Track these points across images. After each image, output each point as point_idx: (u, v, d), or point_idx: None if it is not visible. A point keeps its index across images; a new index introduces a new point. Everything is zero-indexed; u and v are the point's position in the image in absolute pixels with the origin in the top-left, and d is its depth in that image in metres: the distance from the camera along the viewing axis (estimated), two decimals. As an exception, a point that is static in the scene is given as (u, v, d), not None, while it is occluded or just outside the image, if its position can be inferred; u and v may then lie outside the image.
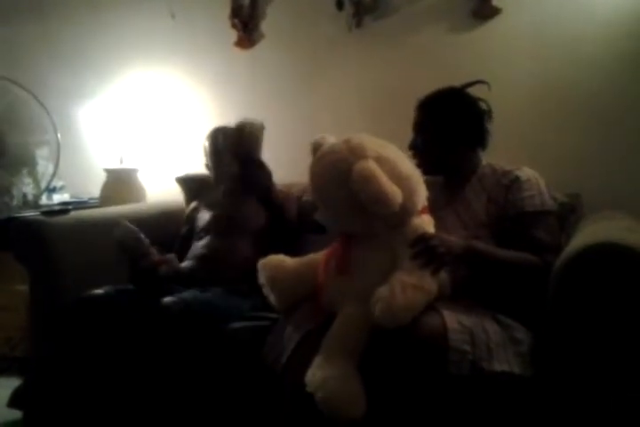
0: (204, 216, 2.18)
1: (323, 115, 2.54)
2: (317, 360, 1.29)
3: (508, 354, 1.29)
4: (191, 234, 2.18)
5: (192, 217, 2.23)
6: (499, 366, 1.26)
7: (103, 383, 1.73)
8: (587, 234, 1.38)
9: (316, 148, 1.47)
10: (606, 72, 2.04)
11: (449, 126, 1.60)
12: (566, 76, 2.10)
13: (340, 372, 1.25)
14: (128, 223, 1.88)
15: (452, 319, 1.27)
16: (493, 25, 2.20)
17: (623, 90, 2.03)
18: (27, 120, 2.61)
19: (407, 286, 1.25)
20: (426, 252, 1.32)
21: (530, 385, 1.26)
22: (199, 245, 2.07)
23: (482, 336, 1.28)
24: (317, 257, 1.55)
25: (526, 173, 1.57)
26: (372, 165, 1.30)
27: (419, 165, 1.60)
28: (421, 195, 1.42)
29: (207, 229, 2.11)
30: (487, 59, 2.22)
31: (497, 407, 1.26)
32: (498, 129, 2.19)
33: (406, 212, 1.37)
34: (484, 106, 1.65)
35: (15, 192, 2.62)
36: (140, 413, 1.69)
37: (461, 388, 1.24)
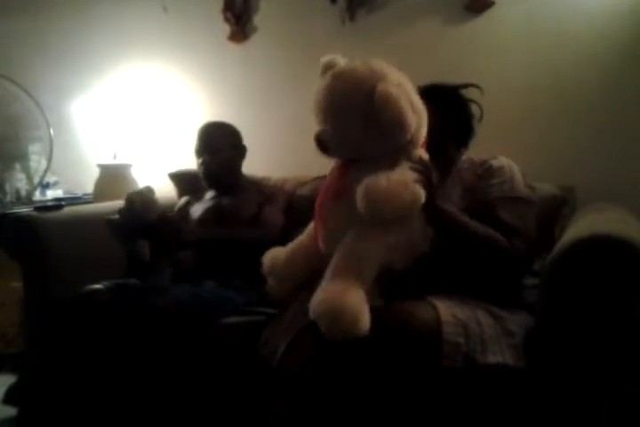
0: (196, 210, 2.17)
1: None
2: (320, 287, 1.27)
3: (502, 346, 1.29)
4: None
5: (184, 211, 2.23)
6: (492, 358, 1.26)
7: (99, 380, 1.73)
8: (580, 226, 1.38)
9: (328, 67, 1.43)
10: (601, 64, 2.04)
11: (446, 117, 1.58)
12: (560, 68, 2.10)
13: (339, 288, 1.22)
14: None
15: (446, 312, 1.27)
16: (487, 18, 2.20)
17: (618, 82, 2.03)
18: (19, 116, 2.60)
19: (391, 179, 1.23)
20: (422, 172, 1.30)
21: (524, 377, 1.26)
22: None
23: (475, 329, 1.28)
24: (303, 238, 1.52)
25: (500, 161, 1.56)
26: (395, 88, 1.29)
27: None
28: (425, 130, 1.39)
29: (199, 222, 2.10)
30: (481, 51, 2.22)
31: (491, 399, 1.26)
32: (491, 121, 2.19)
33: (412, 142, 1.35)
34: (475, 108, 1.63)
35: (8, 188, 2.62)
36: (135, 409, 1.69)
37: (455, 380, 1.24)
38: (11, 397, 1.82)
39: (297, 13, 2.54)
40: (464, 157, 1.63)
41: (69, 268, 1.98)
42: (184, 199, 2.32)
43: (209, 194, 2.23)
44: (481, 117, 1.63)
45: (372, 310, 1.25)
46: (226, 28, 2.67)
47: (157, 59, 2.86)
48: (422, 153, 1.40)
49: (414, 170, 1.29)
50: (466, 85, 1.64)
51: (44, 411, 1.76)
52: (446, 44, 2.27)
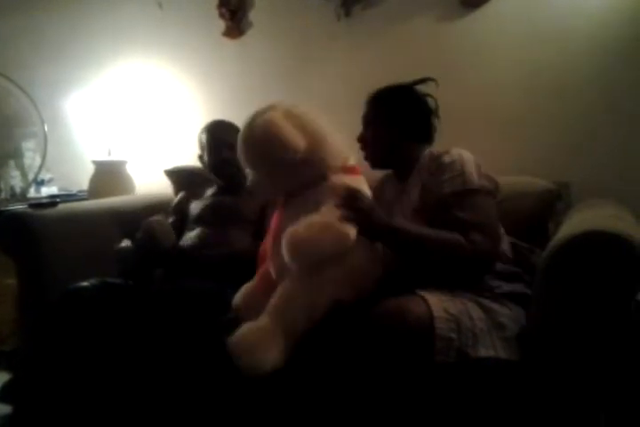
0: (196, 207, 2.16)
1: (311, 103, 2.49)
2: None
3: (493, 339, 1.30)
4: (181, 224, 2.17)
5: (181, 208, 2.22)
6: (484, 352, 1.27)
7: (92, 377, 1.72)
8: (575, 222, 1.38)
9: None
10: (596, 60, 2.04)
11: (396, 120, 1.61)
12: (556, 64, 2.09)
13: (258, 324, 1.28)
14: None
15: (438, 307, 1.27)
16: (482, 13, 2.19)
17: (614, 79, 2.02)
18: (13, 112, 2.59)
19: (314, 224, 1.28)
20: (349, 205, 1.33)
21: (518, 370, 1.26)
22: (191, 236, 2.06)
23: (467, 323, 1.28)
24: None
25: (452, 154, 1.52)
26: (273, 115, 1.37)
27: (366, 158, 1.65)
28: (335, 149, 1.44)
29: (199, 219, 2.10)
30: (476, 47, 2.21)
31: (485, 393, 1.26)
32: (487, 117, 2.19)
33: (321, 163, 1.40)
34: (431, 102, 1.65)
35: (2, 185, 2.61)
36: (130, 406, 1.68)
37: (448, 375, 1.24)
38: (5, 394, 1.81)
39: (292, 9, 2.53)
40: (426, 152, 1.62)
41: (63, 265, 1.97)
42: (180, 195, 2.31)
43: (209, 191, 2.22)
44: (437, 109, 1.65)
45: (365, 306, 1.27)
46: (221, 24, 2.66)
47: (152, 54, 2.85)
48: (350, 179, 1.43)
49: (341, 206, 1.33)
50: (422, 80, 1.65)
51: (39, 409, 1.75)
52: (442, 39, 2.26)
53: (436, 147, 1.62)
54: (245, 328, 1.29)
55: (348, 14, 2.40)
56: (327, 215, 1.30)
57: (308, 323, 1.31)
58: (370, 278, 1.41)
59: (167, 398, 1.63)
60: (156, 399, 1.64)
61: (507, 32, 2.16)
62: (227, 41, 2.67)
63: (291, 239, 1.26)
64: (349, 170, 1.46)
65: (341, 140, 1.47)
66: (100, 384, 1.72)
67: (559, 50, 2.09)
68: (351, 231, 1.29)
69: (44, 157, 2.62)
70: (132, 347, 1.67)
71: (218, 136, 2.12)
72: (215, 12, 2.65)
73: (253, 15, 2.63)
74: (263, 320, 1.29)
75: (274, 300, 1.33)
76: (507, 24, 2.16)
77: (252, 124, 1.41)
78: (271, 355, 1.25)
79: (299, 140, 1.35)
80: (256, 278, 1.56)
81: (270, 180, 1.44)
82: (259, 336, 1.27)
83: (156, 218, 1.93)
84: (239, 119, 2.24)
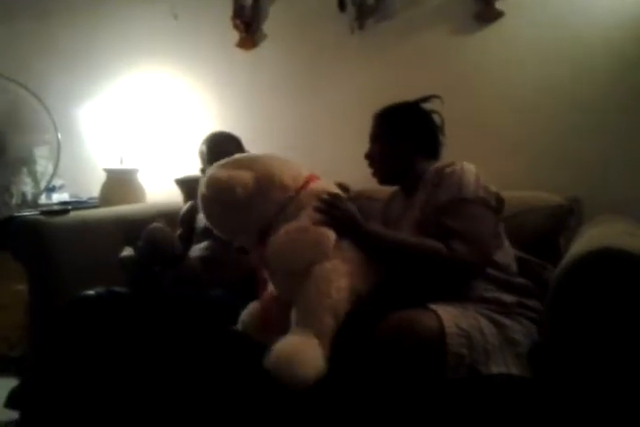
0: (202, 218, 2.16)
1: (324, 116, 2.54)
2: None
3: (506, 355, 1.29)
4: (189, 235, 2.17)
5: (188, 218, 2.22)
6: (496, 369, 1.26)
7: (99, 384, 1.72)
8: (587, 239, 1.37)
9: None
10: (608, 75, 2.04)
11: (404, 136, 1.61)
12: (568, 79, 2.10)
13: (292, 339, 1.29)
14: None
15: (450, 323, 1.26)
16: (496, 28, 2.20)
17: (624, 93, 2.02)
18: (27, 119, 2.60)
19: (291, 230, 1.34)
20: (326, 209, 1.39)
21: (529, 386, 1.25)
22: (198, 248, 2.06)
23: (479, 339, 1.28)
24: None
25: (453, 167, 1.51)
26: (209, 173, 1.45)
27: (374, 175, 1.66)
28: (284, 169, 1.50)
29: (205, 231, 2.10)
30: (489, 61, 2.22)
31: (496, 409, 1.25)
32: (498, 132, 2.19)
33: (280, 185, 1.44)
34: (437, 119, 1.65)
35: (14, 191, 2.62)
36: (138, 413, 1.68)
37: (459, 391, 1.24)
38: (13, 400, 1.82)
39: (306, 21, 2.54)
40: (432, 167, 1.61)
41: (74, 272, 1.98)
42: (188, 204, 2.31)
43: None
44: (443, 126, 1.66)
45: (375, 319, 1.27)
46: (235, 35, 2.68)
47: (166, 65, 2.87)
48: (325, 183, 1.51)
49: (317, 210, 1.39)
50: (425, 98, 1.66)
51: (46, 415, 1.76)
52: (455, 53, 2.27)
53: (444, 161, 1.62)
54: (280, 344, 1.29)
55: (361, 27, 2.41)
56: (304, 220, 1.36)
57: (335, 321, 1.33)
58: (376, 276, 1.43)
59: (169, 402, 1.63)
60: (160, 405, 1.64)
61: (519, 47, 2.17)
62: (240, 52, 2.69)
63: (271, 246, 1.33)
64: (315, 177, 1.52)
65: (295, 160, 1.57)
66: (106, 391, 1.72)
67: (570, 64, 2.09)
68: (329, 232, 1.35)
69: (56, 165, 2.63)
70: (137, 354, 1.67)
71: (216, 149, 2.09)
72: (229, 24, 2.67)
73: (267, 27, 2.64)
74: (295, 333, 1.31)
75: (294, 312, 1.35)
76: (519, 39, 2.16)
77: (200, 192, 1.48)
78: (313, 364, 1.26)
79: (242, 176, 1.40)
80: (263, 299, 1.56)
81: (245, 226, 1.47)
82: (295, 349, 1.27)
83: (155, 225, 1.94)
84: (251, 129, 2.28)
